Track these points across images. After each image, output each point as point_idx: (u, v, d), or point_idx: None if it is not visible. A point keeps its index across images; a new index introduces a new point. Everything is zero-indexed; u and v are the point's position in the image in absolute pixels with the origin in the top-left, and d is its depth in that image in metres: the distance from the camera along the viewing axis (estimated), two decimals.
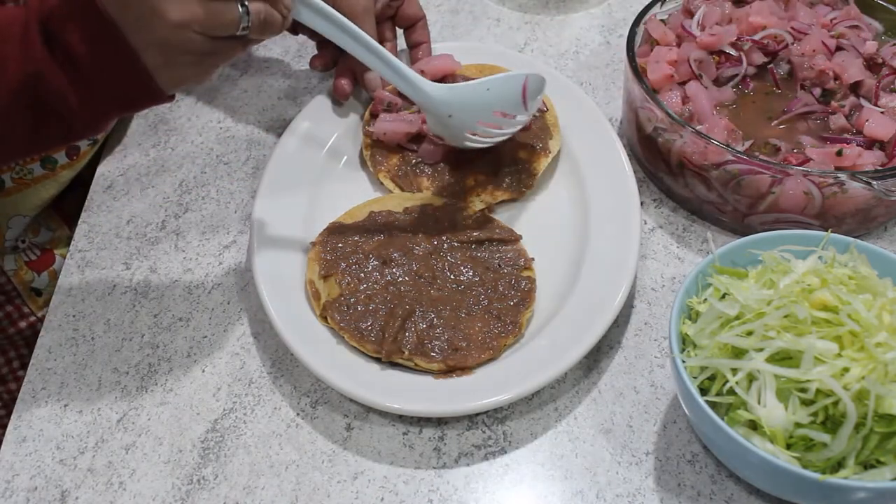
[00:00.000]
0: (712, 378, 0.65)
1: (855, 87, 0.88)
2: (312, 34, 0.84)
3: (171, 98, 0.62)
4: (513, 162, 0.87)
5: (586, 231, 0.82)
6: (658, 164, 0.86)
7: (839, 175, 0.76)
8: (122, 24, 0.57)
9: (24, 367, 0.90)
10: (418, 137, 0.89)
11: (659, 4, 0.93)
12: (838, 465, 0.61)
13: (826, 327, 0.63)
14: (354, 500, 0.68)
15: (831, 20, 0.93)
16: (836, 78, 0.88)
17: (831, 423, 0.61)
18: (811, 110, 0.86)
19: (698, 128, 0.82)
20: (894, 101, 0.85)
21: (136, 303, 0.81)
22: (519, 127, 0.84)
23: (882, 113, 0.84)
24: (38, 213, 0.88)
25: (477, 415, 0.72)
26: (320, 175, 0.88)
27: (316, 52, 0.93)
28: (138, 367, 0.77)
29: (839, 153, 0.80)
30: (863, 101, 0.86)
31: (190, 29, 0.57)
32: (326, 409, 0.73)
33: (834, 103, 0.87)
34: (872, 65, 0.90)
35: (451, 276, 0.78)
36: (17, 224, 0.84)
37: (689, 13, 0.93)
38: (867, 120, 0.83)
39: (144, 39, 0.57)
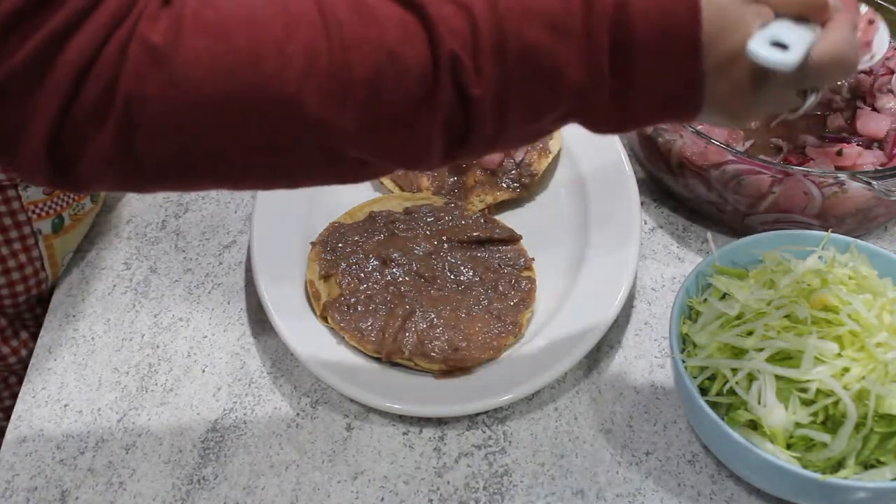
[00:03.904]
0: (712, 378, 0.65)
1: (853, 88, 0.88)
2: None
3: (691, 120, 0.55)
4: (513, 162, 0.87)
5: (586, 231, 0.82)
6: (658, 164, 0.86)
7: (839, 175, 0.76)
8: (708, 44, 0.48)
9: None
10: None
11: None
12: (838, 465, 0.61)
13: (826, 327, 0.63)
14: (354, 500, 0.68)
15: None
16: None
17: (831, 423, 0.61)
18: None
19: (698, 128, 0.82)
20: (890, 102, 0.86)
21: (136, 303, 0.81)
22: None
23: (875, 111, 0.85)
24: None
25: (477, 415, 0.72)
26: None
27: None
28: (138, 367, 0.77)
29: (839, 153, 0.81)
30: (858, 102, 0.87)
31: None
32: (326, 409, 0.73)
33: (835, 96, 0.87)
34: None
35: (451, 276, 0.78)
36: (68, 261, 0.84)
37: None
38: (860, 118, 0.83)
39: (722, 73, 0.49)
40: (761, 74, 0.49)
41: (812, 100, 0.53)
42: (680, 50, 0.48)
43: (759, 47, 0.47)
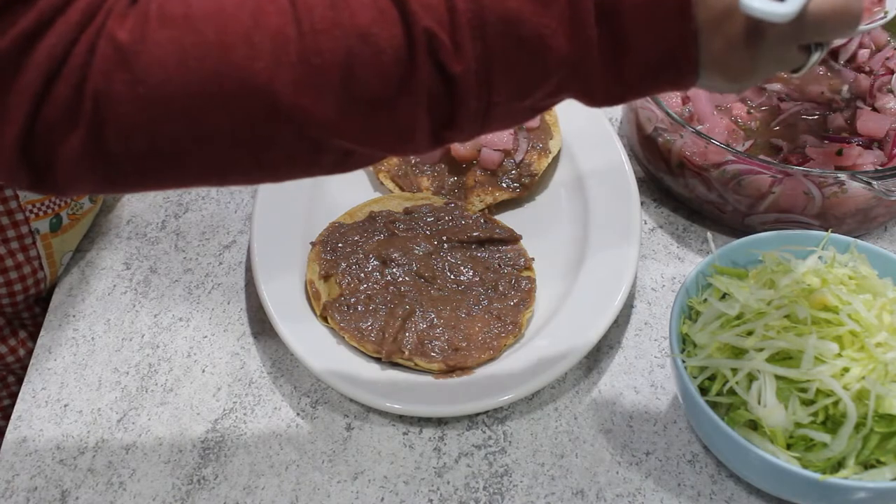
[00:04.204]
0: (712, 378, 0.65)
1: (853, 88, 0.88)
2: None
3: (690, 85, 0.50)
4: (513, 162, 0.87)
5: (586, 231, 0.82)
6: (658, 164, 0.86)
7: (839, 175, 0.76)
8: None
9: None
10: None
11: None
12: (838, 465, 0.61)
13: (826, 327, 0.63)
14: (354, 500, 0.68)
15: None
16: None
17: (831, 423, 0.61)
18: (808, 109, 0.87)
19: (698, 128, 0.82)
20: (890, 102, 0.86)
21: (136, 303, 0.81)
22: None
23: (875, 111, 0.85)
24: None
25: (477, 415, 0.72)
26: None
27: None
28: (138, 367, 0.77)
29: (839, 153, 0.81)
30: (858, 102, 0.87)
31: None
32: (326, 409, 0.73)
33: (835, 96, 0.87)
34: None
35: (451, 276, 0.78)
36: (67, 260, 0.84)
37: None
38: (860, 118, 0.83)
39: (716, 29, 0.47)
40: (757, 29, 0.47)
41: (816, 57, 0.50)
42: (670, 7, 0.46)
43: (752, 0, 0.45)
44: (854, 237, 0.72)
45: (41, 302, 0.85)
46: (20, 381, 0.78)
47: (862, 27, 0.78)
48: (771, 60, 0.49)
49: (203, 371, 0.76)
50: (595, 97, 0.50)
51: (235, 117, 0.46)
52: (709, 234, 0.77)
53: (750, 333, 0.64)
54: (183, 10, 0.45)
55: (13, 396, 0.84)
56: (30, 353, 0.81)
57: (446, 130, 0.50)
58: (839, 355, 0.61)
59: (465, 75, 0.47)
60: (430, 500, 0.68)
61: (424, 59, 0.46)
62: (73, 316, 0.81)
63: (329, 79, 0.46)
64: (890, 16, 0.78)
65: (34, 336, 0.82)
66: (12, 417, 0.74)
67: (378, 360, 0.73)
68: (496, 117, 0.50)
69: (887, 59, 0.89)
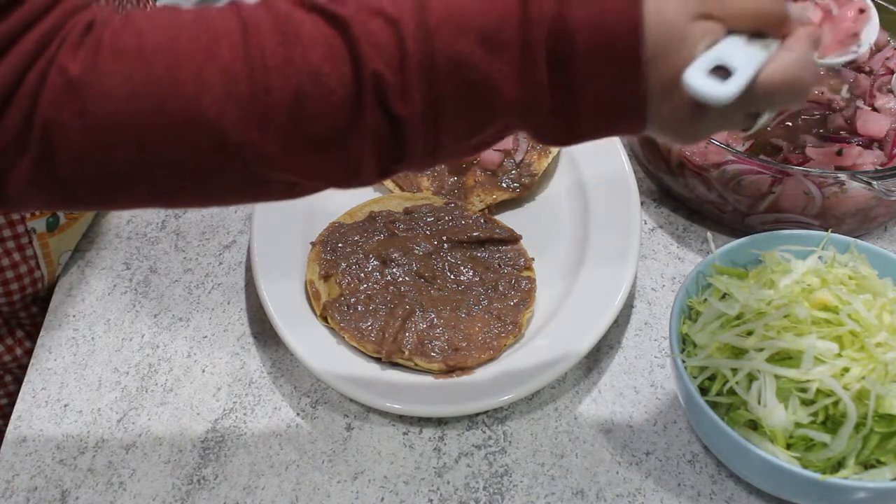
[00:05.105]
0: (712, 378, 0.65)
1: (853, 88, 0.88)
2: None
3: (640, 133, 0.51)
4: (513, 162, 0.87)
5: (586, 231, 0.82)
6: (658, 164, 0.86)
7: (839, 175, 0.76)
8: (650, 63, 0.46)
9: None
10: None
11: None
12: (838, 465, 0.61)
13: (826, 327, 0.63)
14: (354, 500, 0.68)
15: None
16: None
17: (831, 423, 0.61)
18: (808, 109, 0.87)
19: None
20: (890, 102, 0.86)
21: (136, 303, 0.81)
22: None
23: (875, 111, 0.85)
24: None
25: (477, 415, 0.72)
26: None
27: None
28: (138, 367, 0.77)
29: (839, 153, 0.81)
30: (858, 102, 0.87)
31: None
32: (326, 409, 0.73)
33: (835, 96, 0.87)
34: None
35: (452, 276, 0.78)
36: (65, 260, 0.84)
37: None
38: (860, 118, 0.83)
39: (665, 96, 0.47)
40: (701, 103, 0.46)
41: (764, 119, 0.50)
42: (621, 68, 0.46)
43: (695, 78, 0.44)
44: (854, 237, 0.72)
45: (39, 301, 0.85)
46: (17, 381, 0.78)
47: (829, 61, 0.79)
48: (718, 126, 0.50)
49: (203, 371, 0.76)
50: (543, 138, 0.51)
51: (184, 149, 0.46)
52: (709, 234, 0.77)
53: (750, 333, 0.64)
54: (136, 42, 0.45)
55: (10, 396, 0.84)
56: (27, 352, 0.81)
57: (396, 165, 0.50)
58: (839, 355, 0.61)
59: (412, 118, 0.47)
60: (430, 500, 0.68)
61: (371, 100, 0.46)
62: (73, 316, 0.81)
63: (276, 116, 0.46)
64: (862, 50, 0.79)
65: (31, 336, 0.82)
66: (12, 417, 0.74)
67: (378, 360, 0.73)
68: (447, 153, 0.50)
69: (887, 59, 0.89)
